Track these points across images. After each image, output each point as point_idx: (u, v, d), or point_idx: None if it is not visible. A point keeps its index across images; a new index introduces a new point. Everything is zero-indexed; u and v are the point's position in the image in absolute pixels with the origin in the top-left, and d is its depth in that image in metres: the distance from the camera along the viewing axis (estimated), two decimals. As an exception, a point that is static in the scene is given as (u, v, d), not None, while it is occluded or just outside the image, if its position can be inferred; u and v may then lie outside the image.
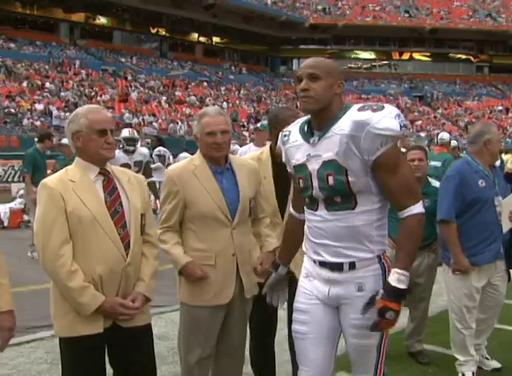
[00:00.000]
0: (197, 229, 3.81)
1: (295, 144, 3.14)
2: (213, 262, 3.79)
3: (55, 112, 33.10)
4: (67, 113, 29.11)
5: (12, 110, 32.91)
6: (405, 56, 69.27)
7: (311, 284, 3.18)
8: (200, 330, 3.83)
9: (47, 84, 38.64)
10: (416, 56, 69.21)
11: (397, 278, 2.88)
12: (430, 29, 64.16)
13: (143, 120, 36.05)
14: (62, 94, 37.15)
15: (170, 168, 4.03)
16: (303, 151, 3.08)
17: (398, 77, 66.71)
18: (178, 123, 37.16)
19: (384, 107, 2.91)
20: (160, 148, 16.03)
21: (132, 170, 6.57)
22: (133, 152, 9.95)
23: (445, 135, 11.68)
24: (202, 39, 63.98)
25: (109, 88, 41.31)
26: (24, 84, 37.93)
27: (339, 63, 63.58)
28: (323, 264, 3.09)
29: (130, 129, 10.78)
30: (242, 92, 52.80)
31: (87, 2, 51.99)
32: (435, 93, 63.23)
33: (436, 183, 5.39)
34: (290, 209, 3.48)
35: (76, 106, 28.64)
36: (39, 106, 34.05)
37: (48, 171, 10.10)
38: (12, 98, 34.45)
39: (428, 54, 68.96)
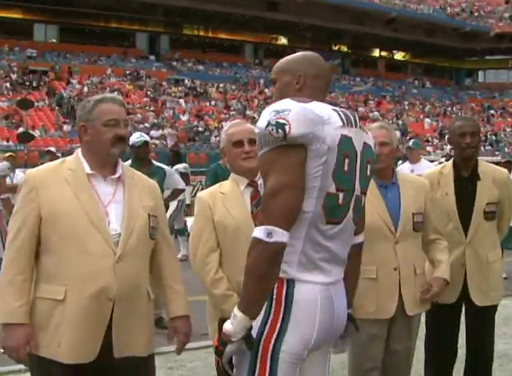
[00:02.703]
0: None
1: None
2: (374, 276, 3.70)
3: (240, 130, 34.16)
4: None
5: (201, 129, 34.46)
6: None
7: None
8: (362, 340, 3.71)
9: (233, 104, 40.07)
10: None
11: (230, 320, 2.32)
12: None
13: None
14: (247, 112, 38.35)
15: None
16: None
17: None
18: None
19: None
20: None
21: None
22: None
23: None
24: (384, 54, 63.45)
25: (292, 106, 42.01)
26: (212, 103, 39.60)
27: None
28: None
29: None
30: (425, 106, 51.64)
31: (269, 24, 53.45)
32: None
33: None
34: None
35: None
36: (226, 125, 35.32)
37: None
38: (201, 117, 36.09)
39: None
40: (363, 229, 2.76)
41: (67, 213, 2.82)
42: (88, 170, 2.92)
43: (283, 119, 2.28)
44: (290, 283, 2.39)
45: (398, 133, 34.13)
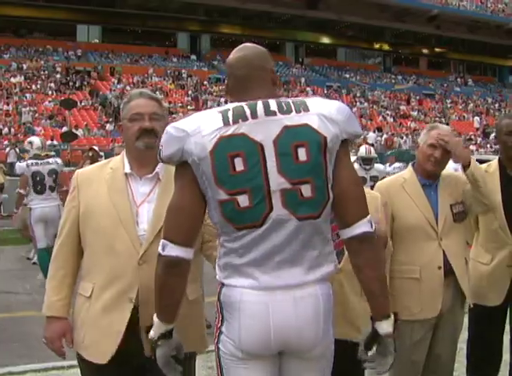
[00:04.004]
0: (403, 242, 3.72)
1: None
2: (418, 276, 3.67)
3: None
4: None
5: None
6: None
7: None
8: (405, 343, 3.66)
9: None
10: None
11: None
12: None
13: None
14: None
15: (380, 182, 3.99)
16: None
17: None
18: (402, 137, 36.70)
19: None
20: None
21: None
22: (369, 169, 10.18)
23: None
24: (426, 51, 62.73)
25: (333, 104, 41.92)
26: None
27: None
28: None
29: (367, 147, 10.80)
30: (468, 104, 50.95)
31: (310, 22, 53.31)
32: None
33: None
34: None
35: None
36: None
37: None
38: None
39: None
40: (351, 222, 2.34)
41: (98, 210, 2.88)
42: (127, 169, 2.95)
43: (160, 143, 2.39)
44: (221, 286, 2.42)
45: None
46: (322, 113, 2.32)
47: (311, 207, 2.30)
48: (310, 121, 2.30)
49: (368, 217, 2.35)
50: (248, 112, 2.31)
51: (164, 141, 2.35)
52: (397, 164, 15.36)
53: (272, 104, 2.33)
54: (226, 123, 2.29)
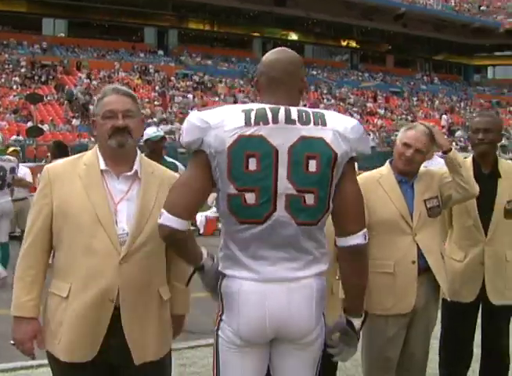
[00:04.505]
0: (378, 236, 3.72)
1: None
2: (391, 270, 3.69)
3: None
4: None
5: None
6: None
7: None
8: (379, 339, 3.73)
9: (241, 98, 40.02)
10: None
11: None
12: None
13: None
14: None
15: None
16: None
17: None
18: (369, 134, 36.95)
19: None
20: None
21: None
22: None
23: None
24: (392, 49, 63.26)
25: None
26: (220, 98, 39.57)
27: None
28: None
29: None
30: (434, 102, 51.50)
31: (277, 19, 53.41)
32: None
33: None
34: None
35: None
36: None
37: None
38: (209, 112, 36.04)
39: None
40: (347, 233, 2.53)
41: (75, 209, 2.78)
42: (102, 166, 2.87)
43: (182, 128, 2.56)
44: (222, 275, 2.59)
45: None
46: (338, 129, 2.48)
47: (311, 215, 2.49)
48: (325, 136, 2.46)
49: (364, 230, 2.54)
50: (270, 116, 2.45)
51: (186, 128, 2.50)
52: None
53: (294, 112, 2.48)
54: (248, 123, 2.43)
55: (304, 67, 2.73)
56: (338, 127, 2.49)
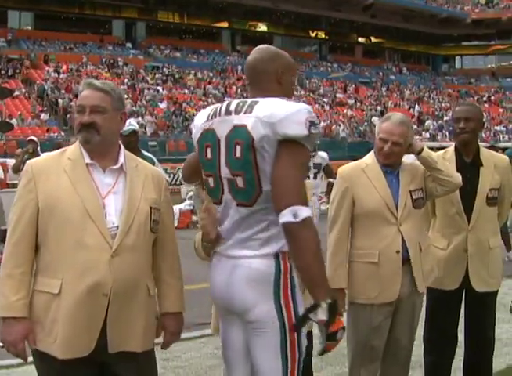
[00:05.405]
0: (363, 226, 3.79)
1: None
2: (376, 260, 3.71)
3: (219, 117, 34.20)
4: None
5: (179, 117, 34.31)
6: None
7: None
8: (364, 328, 3.76)
9: (211, 90, 39.90)
10: None
11: None
12: None
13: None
14: (226, 99, 38.10)
15: (341, 167, 3.98)
16: None
17: None
18: (340, 125, 37.09)
19: None
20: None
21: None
22: (312, 156, 10.11)
23: None
24: (361, 40, 63.56)
25: (270, 93, 42.08)
26: (190, 90, 39.40)
27: (504, 59, 62.51)
28: None
29: None
30: (403, 92, 51.84)
31: (246, 10, 53.28)
32: None
33: None
34: None
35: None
36: (204, 112, 35.30)
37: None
38: (180, 104, 35.86)
39: None
40: (277, 212, 2.53)
41: (63, 203, 2.74)
42: (87, 160, 2.84)
43: None
44: None
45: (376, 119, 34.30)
46: (259, 115, 2.60)
47: (244, 197, 2.66)
48: (248, 123, 2.61)
49: (290, 208, 2.49)
50: (219, 110, 2.77)
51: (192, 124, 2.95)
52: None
53: (233, 104, 2.73)
54: (208, 118, 2.80)
55: (282, 57, 2.91)
56: (261, 113, 2.59)
